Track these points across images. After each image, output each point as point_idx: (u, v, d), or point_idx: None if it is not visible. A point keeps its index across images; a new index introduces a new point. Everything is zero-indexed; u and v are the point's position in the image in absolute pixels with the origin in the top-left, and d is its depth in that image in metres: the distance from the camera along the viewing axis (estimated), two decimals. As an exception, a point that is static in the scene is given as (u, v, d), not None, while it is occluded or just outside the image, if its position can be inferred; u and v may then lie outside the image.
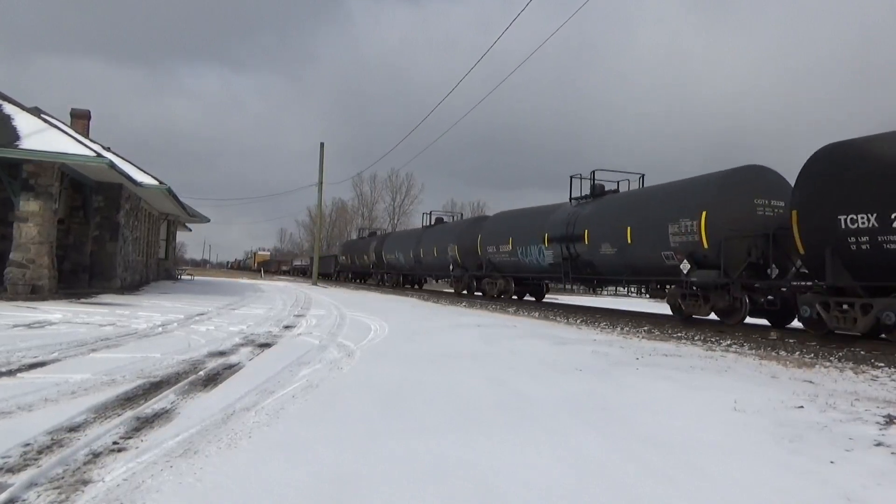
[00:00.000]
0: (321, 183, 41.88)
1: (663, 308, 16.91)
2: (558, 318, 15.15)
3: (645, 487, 3.12)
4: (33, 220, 14.48)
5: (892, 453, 3.80)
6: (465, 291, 25.71)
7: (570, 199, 18.52)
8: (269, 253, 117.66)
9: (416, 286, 35.94)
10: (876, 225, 8.80)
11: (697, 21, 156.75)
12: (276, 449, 3.49)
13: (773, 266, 11.58)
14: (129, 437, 3.60)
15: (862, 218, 8.97)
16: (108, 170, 15.53)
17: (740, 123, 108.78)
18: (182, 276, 37.98)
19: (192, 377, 5.52)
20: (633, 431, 4.20)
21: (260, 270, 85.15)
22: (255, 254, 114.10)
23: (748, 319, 12.31)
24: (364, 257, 40.16)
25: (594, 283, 18.62)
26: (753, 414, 4.81)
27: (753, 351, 9.19)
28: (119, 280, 18.99)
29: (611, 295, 35.49)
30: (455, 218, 33.37)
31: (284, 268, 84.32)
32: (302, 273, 71.61)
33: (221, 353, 7.11)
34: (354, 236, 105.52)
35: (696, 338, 10.86)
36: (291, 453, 3.42)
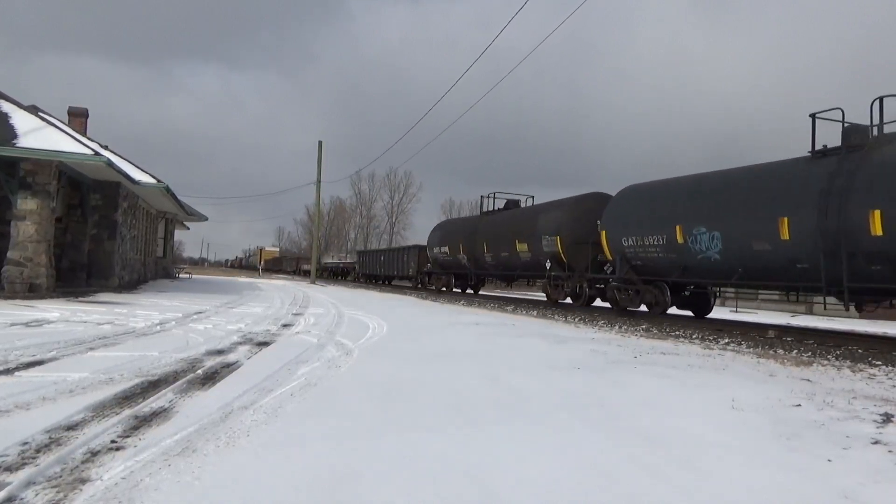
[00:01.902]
0: (319, 182, 41.86)
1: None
2: (556, 317, 15.17)
3: (643, 485, 3.12)
4: (31, 219, 14.46)
5: (889, 451, 3.81)
6: None
7: None
8: (278, 249, 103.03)
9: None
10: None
11: (698, 20, 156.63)
12: (274, 447, 3.49)
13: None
14: (128, 436, 3.60)
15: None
16: (105, 168, 15.51)
17: (741, 123, 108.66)
18: (180, 275, 37.95)
19: (190, 376, 5.52)
20: (632, 429, 4.21)
21: (258, 270, 75.70)
22: (260, 251, 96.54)
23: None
24: (510, 246, 20.38)
25: None
26: (751, 412, 4.82)
27: (751, 349, 9.20)
28: (117, 278, 18.97)
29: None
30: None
31: (306, 267, 60.53)
32: (339, 275, 53.22)
33: (220, 352, 7.10)
34: (353, 235, 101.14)
35: (694, 336, 10.87)
36: (290, 452, 3.42)
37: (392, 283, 38.35)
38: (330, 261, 59.98)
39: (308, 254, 69.04)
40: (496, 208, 24.32)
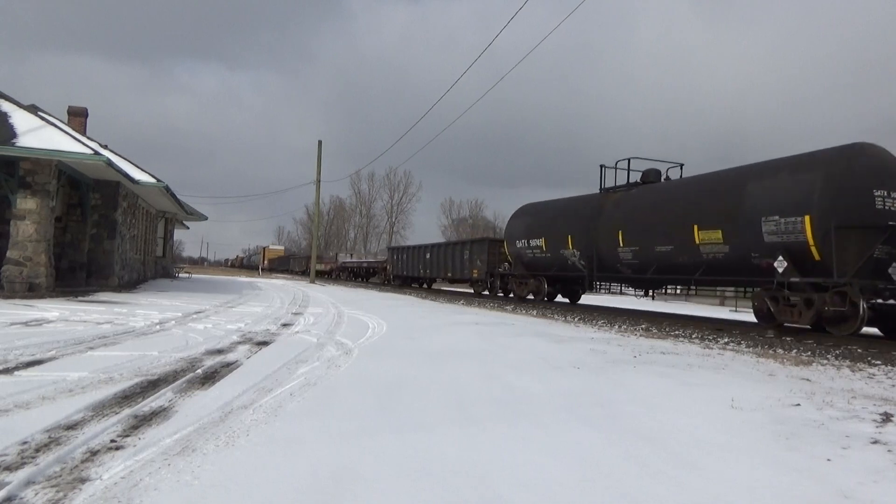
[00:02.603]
0: (318, 181, 41.85)
1: (658, 306, 16.81)
2: (556, 317, 15.16)
3: (643, 485, 3.12)
4: (30, 218, 14.46)
5: (889, 451, 3.82)
6: None
7: None
8: (282, 248, 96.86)
9: None
10: None
11: (699, 19, 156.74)
12: (274, 447, 3.49)
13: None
14: (127, 436, 3.60)
15: None
16: (105, 167, 15.50)
17: (743, 122, 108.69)
18: (180, 274, 37.94)
19: (189, 375, 5.52)
20: (631, 429, 4.21)
21: (258, 269, 73.22)
22: (263, 249, 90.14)
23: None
24: (679, 235, 13.29)
25: None
26: (750, 411, 4.82)
27: (750, 349, 9.20)
28: (116, 278, 18.97)
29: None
30: None
31: (320, 267, 49.86)
32: (361, 277, 45.68)
33: (219, 351, 7.10)
34: (353, 235, 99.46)
35: (693, 336, 10.88)
36: (289, 451, 3.42)
37: (427, 287, 32.95)
38: (349, 259, 51.71)
39: (320, 253, 57.57)
40: (627, 182, 16.77)
